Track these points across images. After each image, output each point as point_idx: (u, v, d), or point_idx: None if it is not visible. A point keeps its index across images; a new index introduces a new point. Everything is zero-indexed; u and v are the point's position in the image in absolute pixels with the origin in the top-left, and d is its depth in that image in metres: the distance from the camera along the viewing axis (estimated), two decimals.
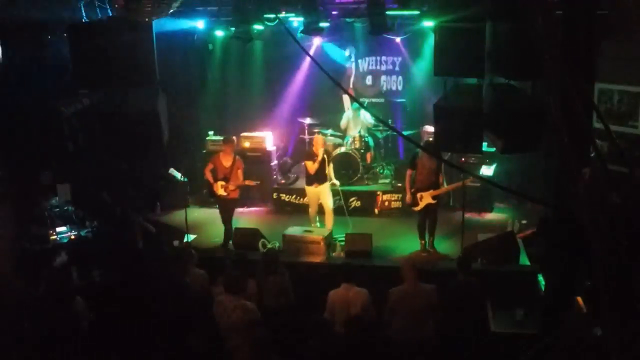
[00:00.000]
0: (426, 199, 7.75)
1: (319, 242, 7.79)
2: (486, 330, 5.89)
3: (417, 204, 7.82)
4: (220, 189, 8.16)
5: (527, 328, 5.84)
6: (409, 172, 7.94)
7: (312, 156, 8.43)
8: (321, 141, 8.52)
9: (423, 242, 7.94)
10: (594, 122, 4.97)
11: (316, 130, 10.34)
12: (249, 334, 5.15)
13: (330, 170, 8.68)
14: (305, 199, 9.10)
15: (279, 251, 7.59)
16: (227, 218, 8.40)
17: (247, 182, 8.31)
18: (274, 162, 10.56)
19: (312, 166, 8.36)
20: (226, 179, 8.16)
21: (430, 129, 8.80)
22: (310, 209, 8.66)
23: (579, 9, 4.41)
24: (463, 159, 9.50)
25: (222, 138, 10.31)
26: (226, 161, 8.22)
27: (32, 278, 5.98)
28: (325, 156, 8.51)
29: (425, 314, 5.49)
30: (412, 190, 7.87)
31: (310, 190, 8.54)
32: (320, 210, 8.62)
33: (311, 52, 10.08)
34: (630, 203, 3.05)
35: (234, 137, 8.92)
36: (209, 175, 8.22)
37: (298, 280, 6.35)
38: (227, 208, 8.40)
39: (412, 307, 5.46)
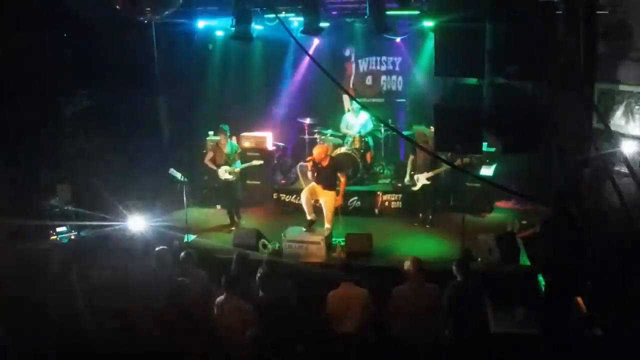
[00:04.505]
0: (421, 180, 8.70)
1: (319, 242, 7.80)
2: (486, 330, 5.89)
3: (414, 185, 8.80)
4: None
5: (527, 328, 5.83)
6: (410, 157, 8.85)
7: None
8: (318, 149, 8.07)
9: (421, 216, 8.96)
10: (594, 122, 4.99)
11: (316, 131, 10.33)
12: (246, 334, 5.15)
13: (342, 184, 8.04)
14: None
15: (279, 251, 7.57)
16: None
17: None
18: (274, 162, 10.55)
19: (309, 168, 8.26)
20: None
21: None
22: (303, 199, 8.22)
23: (579, 9, 4.41)
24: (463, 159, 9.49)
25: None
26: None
27: (32, 279, 5.98)
28: (328, 164, 7.99)
29: (429, 315, 5.47)
30: (411, 172, 8.81)
31: (313, 184, 8.20)
32: (319, 211, 8.49)
33: (311, 52, 10.07)
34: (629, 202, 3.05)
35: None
36: None
37: (298, 280, 6.34)
38: None
39: (416, 307, 5.44)
